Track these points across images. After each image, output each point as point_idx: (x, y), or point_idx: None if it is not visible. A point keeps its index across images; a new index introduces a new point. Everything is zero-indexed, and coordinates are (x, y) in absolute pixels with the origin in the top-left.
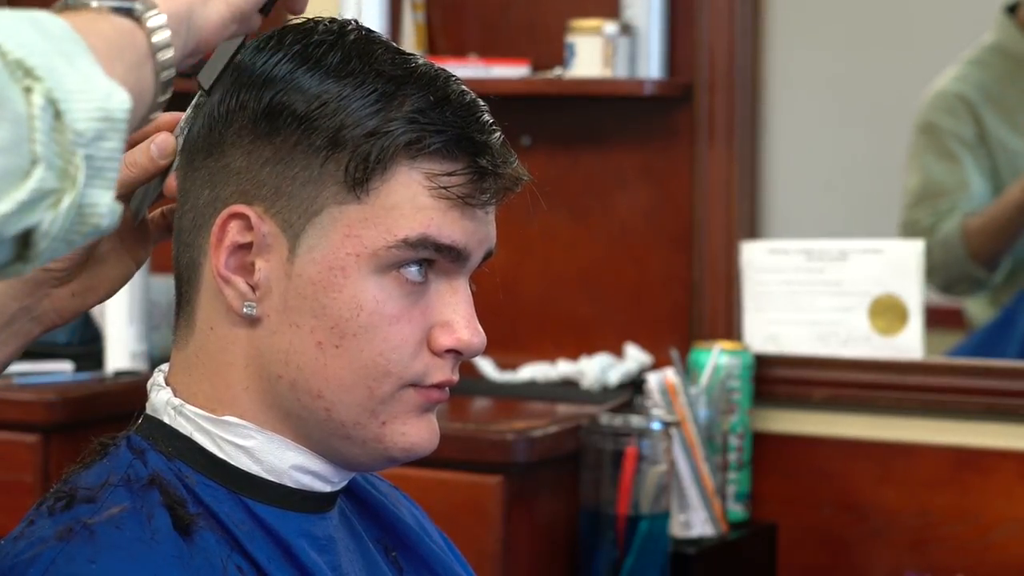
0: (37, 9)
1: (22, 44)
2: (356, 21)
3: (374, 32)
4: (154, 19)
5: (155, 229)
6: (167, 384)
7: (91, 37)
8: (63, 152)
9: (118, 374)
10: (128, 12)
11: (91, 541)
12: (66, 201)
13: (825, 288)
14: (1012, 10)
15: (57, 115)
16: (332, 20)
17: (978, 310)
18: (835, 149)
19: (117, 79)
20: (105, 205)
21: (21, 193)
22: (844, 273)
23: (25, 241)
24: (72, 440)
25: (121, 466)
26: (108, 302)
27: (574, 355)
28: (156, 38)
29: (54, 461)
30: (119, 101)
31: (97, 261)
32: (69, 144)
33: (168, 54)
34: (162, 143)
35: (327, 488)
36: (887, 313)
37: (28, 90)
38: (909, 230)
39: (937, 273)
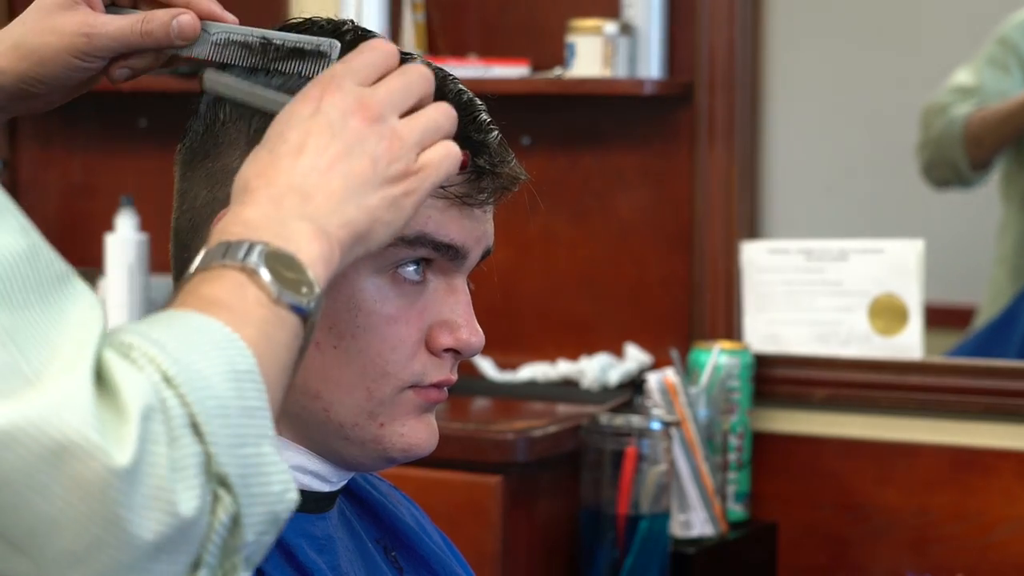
0: None
1: (224, 444)
2: (352, 21)
3: (371, 32)
4: (316, 306)
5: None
6: None
7: (271, 370)
8: (226, 553)
9: None
10: (300, 311)
11: None
12: None
13: (825, 288)
14: None
15: (235, 525)
16: (329, 20)
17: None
18: (835, 149)
19: (276, 404)
20: None
21: None
22: (844, 273)
23: None
24: None
25: None
26: (108, 302)
27: (574, 355)
28: (308, 334)
29: None
30: (288, 501)
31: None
32: (234, 548)
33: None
34: (186, 25)
35: (326, 488)
36: (887, 313)
37: (217, 499)
38: (926, 110)
39: (927, 148)
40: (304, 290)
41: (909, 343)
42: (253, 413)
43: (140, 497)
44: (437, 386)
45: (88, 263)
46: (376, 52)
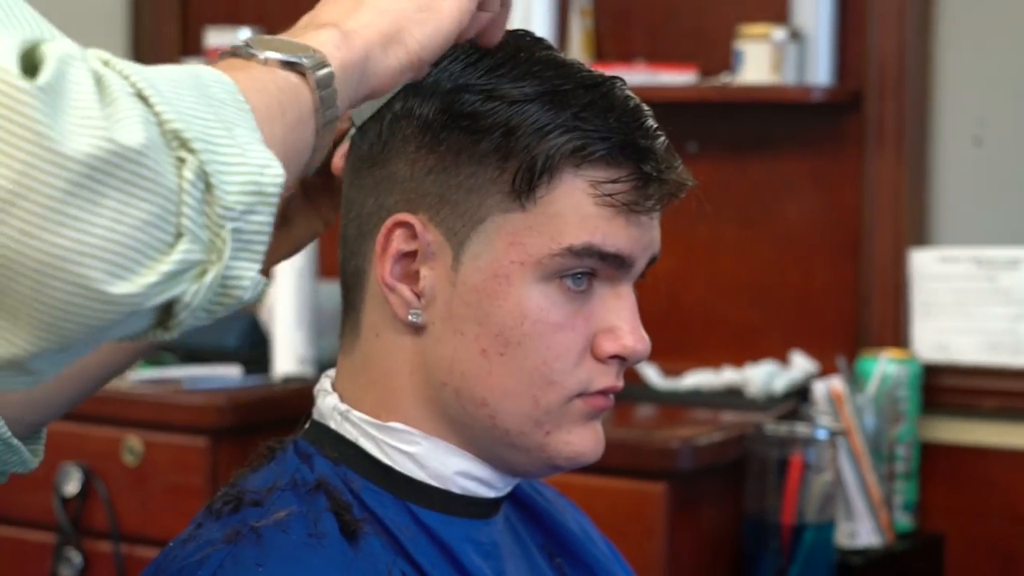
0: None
1: (181, 112)
2: (524, 30)
3: (542, 40)
4: (322, 74)
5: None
6: (334, 389)
7: (254, 96)
8: (211, 225)
9: (286, 379)
10: (295, 66)
11: (258, 544)
12: (211, 274)
13: (996, 296)
14: None
15: (208, 188)
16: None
17: None
18: (1007, 154)
19: (276, 141)
20: (249, 279)
21: (166, 265)
22: (1016, 281)
23: (167, 310)
24: (240, 444)
25: (288, 470)
26: (276, 307)
27: (739, 362)
28: (322, 93)
29: (222, 464)
30: (272, 175)
31: (283, 222)
32: (217, 217)
33: (332, 111)
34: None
35: (491, 494)
36: None
37: (181, 161)
38: None
39: None
40: (301, 55)
41: None
42: (222, 103)
43: (66, 123)
44: (603, 393)
45: None
46: None
